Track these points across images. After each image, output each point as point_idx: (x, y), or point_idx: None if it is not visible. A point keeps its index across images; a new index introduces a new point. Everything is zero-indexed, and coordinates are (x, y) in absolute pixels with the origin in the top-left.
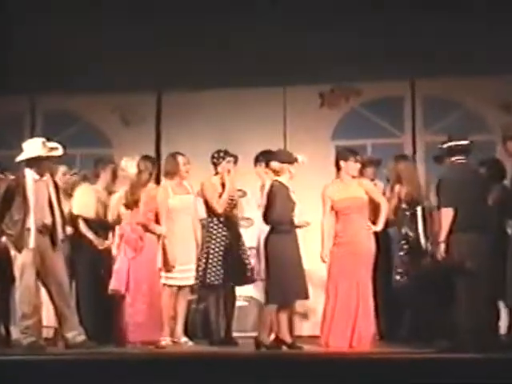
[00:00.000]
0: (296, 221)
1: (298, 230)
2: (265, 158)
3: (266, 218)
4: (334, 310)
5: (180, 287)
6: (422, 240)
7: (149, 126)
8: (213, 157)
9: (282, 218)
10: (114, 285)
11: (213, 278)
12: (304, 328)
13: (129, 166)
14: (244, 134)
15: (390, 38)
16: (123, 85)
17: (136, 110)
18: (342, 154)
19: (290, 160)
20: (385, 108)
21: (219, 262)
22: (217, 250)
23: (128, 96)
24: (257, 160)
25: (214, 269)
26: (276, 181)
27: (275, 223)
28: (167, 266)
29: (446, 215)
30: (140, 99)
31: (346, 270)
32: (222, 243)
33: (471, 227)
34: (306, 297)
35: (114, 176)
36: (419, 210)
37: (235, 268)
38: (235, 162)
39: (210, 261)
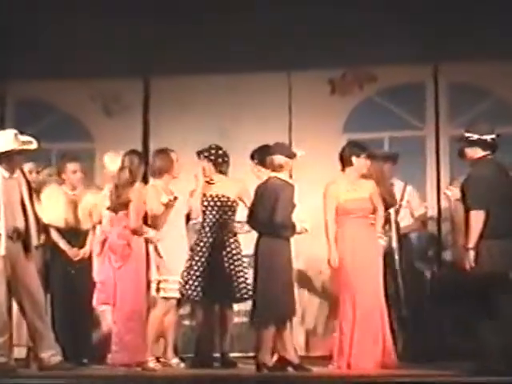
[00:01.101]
0: (298, 226)
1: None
2: (261, 153)
3: (259, 220)
4: (354, 325)
5: (170, 301)
6: (395, 245)
7: (135, 117)
8: (204, 152)
9: (285, 223)
10: (100, 298)
11: (194, 294)
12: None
13: (112, 162)
14: (243, 126)
15: (409, 16)
16: (105, 69)
17: (120, 97)
18: (355, 149)
19: (290, 154)
20: (404, 96)
21: (202, 275)
22: (200, 260)
23: (111, 81)
24: (252, 157)
25: (194, 282)
26: (275, 177)
27: (278, 228)
28: (162, 276)
29: (477, 218)
30: (125, 85)
31: (363, 279)
32: (206, 253)
33: (506, 233)
34: (294, 314)
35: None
36: (392, 213)
37: (224, 282)
38: (219, 159)
39: (192, 272)
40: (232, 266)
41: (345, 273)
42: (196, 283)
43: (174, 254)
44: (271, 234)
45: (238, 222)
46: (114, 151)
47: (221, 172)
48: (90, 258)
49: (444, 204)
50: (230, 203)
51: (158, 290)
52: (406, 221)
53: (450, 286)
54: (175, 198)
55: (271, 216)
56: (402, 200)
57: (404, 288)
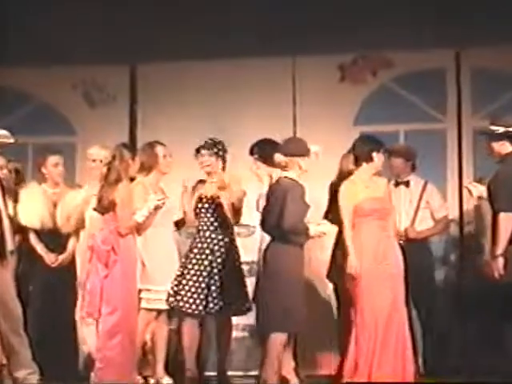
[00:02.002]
0: (312, 230)
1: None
2: (262, 148)
3: (269, 224)
4: (376, 337)
5: (159, 312)
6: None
7: (120, 107)
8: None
9: (296, 227)
10: (86, 309)
11: (187, 305)
12: None
13: (99, 156)
14: (242, 118)
15: None
16: (87, 54)
17: (104, 86)
18: (375, 144)
19: (299, 152)
20: (423, 84)
21: (195, 284)
22: (194, 267)
23: (94, 68)
24: (251, 152)
25: (187, 293)
26: (285, 177)
27: (288, 233)
28: (145, 285)
29: (506, 222)
30: (109, 72)
31: (384, 288)
32: (202, 260)
33: None
34: (302, 330)
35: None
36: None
37: (222, 292)
38: (219, 154)
39: (184, 282)
40: (231, 275)
41: (365, 281)
42: (189, 294)
43: (160, 260)
44: (280, 239)
45: (240, 224)
46: (101, 144)
47: (223, 169)
48: (73, 265)
49: (467, 204)
50: (214, 205)
51: (139, 300)
52: (424, 224)
53: (476, 295)
54: (163, 199)
55: (279, 220)
56: (420, 200)
57: (424, 298)
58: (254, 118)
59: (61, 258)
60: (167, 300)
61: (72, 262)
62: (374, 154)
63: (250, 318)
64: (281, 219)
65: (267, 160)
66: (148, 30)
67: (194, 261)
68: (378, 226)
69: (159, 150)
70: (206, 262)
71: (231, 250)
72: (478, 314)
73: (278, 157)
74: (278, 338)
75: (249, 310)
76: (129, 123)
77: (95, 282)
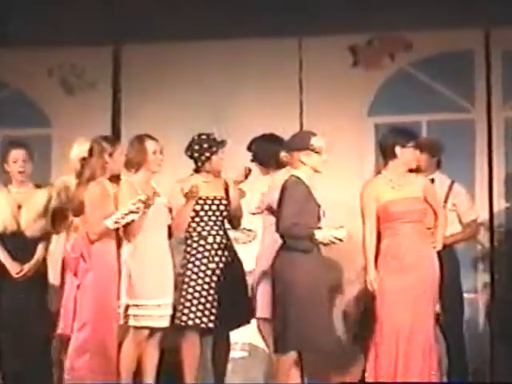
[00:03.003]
0: (323, 235)
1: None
2: (258, 148)
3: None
4: (398, 357)
5: (152, 330)
6: None
7: (102, 95)
8: (193, 145)
9: (292, 230)
10: (61, 325)
11: (185, 318)
12: None
13: (81, 151)
14: (242, 107)
15: None
16: (65, 35)
17: (83, 70)
18: (399, 137)
19: (297, 145)
20: (447, 69)
21: (193, 297)
22: (199, 278)
23: (71, 51)
24: (249, 149)
25: (186, 307)
26: (292, 176)
27: (285, 236)
28: (133, 300)
29: None
30: (89, 55)
31: (406, 305)
32: (206, 270)
33: None
34: (332, 349)
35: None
36: None
37: (225, 306)
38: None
39: (184, 293)
40: (237, 285)
41: (386, 294)
42: (198, 307)
43: (151, 271)
44: (285, 245)
45: (246, 229)
46: (85, 138)
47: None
48: (44, 276)
49: (498, 205)
50: (225, 206)
51: (126, 317)
52: (451, 228)
53: (509, 307)
54: (154, 194)
55: (277, 223)
56: (446, 202)
57: (451, 310)
58: (255, 108)
59: (27, 266)
60: (173, 316)
61: (43, 271)
62: (397, 149)
63: (249, 337)
64: (277, 222)
65: (265, 159)
66: (134, 7)
67: (195, 269)
68: (411, 230)
69: (149, 144)
70: (211, 272)
71: (236, 257)
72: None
73: (282, 153)
74: (289, 357)
75: (247, 322)
76: (111, 114)
77: (69, 293)
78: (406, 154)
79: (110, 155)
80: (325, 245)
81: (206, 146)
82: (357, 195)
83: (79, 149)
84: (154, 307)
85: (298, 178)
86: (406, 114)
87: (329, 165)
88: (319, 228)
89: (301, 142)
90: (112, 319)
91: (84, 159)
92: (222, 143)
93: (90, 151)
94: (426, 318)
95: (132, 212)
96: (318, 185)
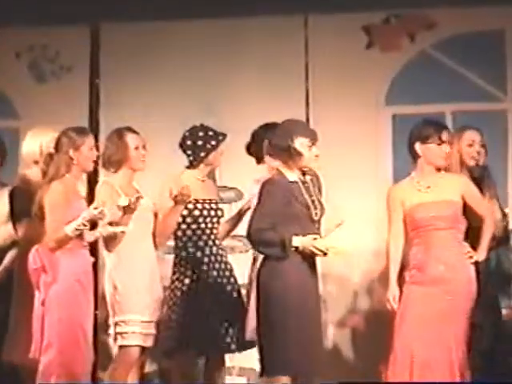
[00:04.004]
0: (298, 242)
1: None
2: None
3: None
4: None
5: (143, 350)
6: None
7: (78, 82)
8: (187, 138)
9: (260, 235)
10: (31, 351)
11: (169, 343)
12: None
13: (35, 144)
14: (239, 96)
15: None
16: (35, 13)
17: (57, 53)
18: (418, 131)
19: (282, 147)
20: (475, 52)
21: (179, 317)
22: (176, 296)
23: (43, 31)
24: (253, 140)
25: (169, 329)
26: (277, 171)
27: (251, 242)
28: (120, 316)
29: None
30: (63, 35)
31: (430, 326)
32: (184, 286)
33: None
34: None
35: None
36: None
37: (217, 326)
38: (218, 145)
39: (169, 312)
40: (234, 301)
41: (404, 314)
42: (171, 330)
43: (138, 283)
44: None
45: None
46: (43, 128)
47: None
48: (6, 290)
49: None
50: (222, 212)
51: (115, 337)
52: None
53: None
54: (137, 199)
55: (250, 224)
56: None
57: (485, 335)
58: (254, 96)
59: None
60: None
61: (6, 284)
62: (417, 146)
63: (247, 360)
64: (248, 225)
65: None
66: None
67: (190, 284)
68: (441, 238)
69: (130, 139)
70: (210, 287)
71: (231, 269)
72: None
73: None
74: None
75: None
76: (89, 103)
77: (37, 311)
78: (429, 151)
79: (76, 149)
80: (308, 255)
81: (203, 140)
82: (371, 197)
83: (34, 141)
84: (144, 324)
85: (281, 174)
86: (427, 103)
87: (339, 163)
88: (315, 233)
89: (280, 142)
90: (80, 339)
91: (50, 155)
92: (223, 137)
93: (56, 145)
94: (450, 342)
95: (95, 218)
96: (326, 186)
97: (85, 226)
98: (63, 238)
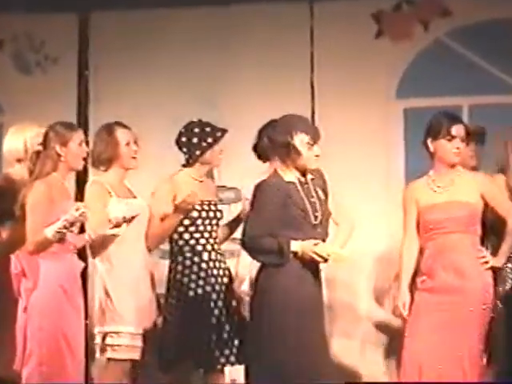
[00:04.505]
0: (297, 247)
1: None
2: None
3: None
4: None
5: (134, 364)
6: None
7: (66, 74)
8: (183, 134)
9: (257, 243)
10: (15, 362)
11: (166, 355)
12: None
13: (19, 140)
14: (239, 89)
15: None
16: None
17: (43, 43)
18: (429, 126)
19: (281, 143)
20: (493, 41)
21: (176, 329)
22: (172, 305)
23: (28, 19)
24: (259, 137)
25: (167, 341)
26: (275, 172)
27: (247, 251)
28: (111, 326)
29: None
30: (50, 24)
31: (441, 337)
32: (182, 295)
33: None
34: None
35: None
36: None
37: (209, 339)
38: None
39: (166, 323)
40: (235, 312)
41: (414, 323)
42: (169, 341)
43: (130, 291)
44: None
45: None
46: (27, 124)
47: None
48: None
49: None
50: (221, 214)
51: (103, 349)
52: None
53: None
54: (133, 218)
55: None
56: None
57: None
58: (256, 90)
59: None
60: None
61: None
62: (429, 142)
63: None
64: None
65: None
66: None
67: (183, 289)
68: (455, 242)
69: (120, 134)
70: (208, 295)
71: (231, 276)
72: None
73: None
74: None
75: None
76: (77, 97)
77: (19, 319)
78: (440, 147)
79: (64, 145)
80: (307, 261)
81: (198, 136)
82: (381, 199)
83: (17, 137)
84: (138, 336)
85: (278, 174)
86: (442, 95)
87: (346, 162)
88: (316, 238)
89: (279, 137)
90: (63, 350)
91: (38, 153)
92: (221, 133)
93: (44, 141)
94: (463, 356)
95: (76, 221)
96: (335, 183)
97: (66, 228)
98: (43, 241)
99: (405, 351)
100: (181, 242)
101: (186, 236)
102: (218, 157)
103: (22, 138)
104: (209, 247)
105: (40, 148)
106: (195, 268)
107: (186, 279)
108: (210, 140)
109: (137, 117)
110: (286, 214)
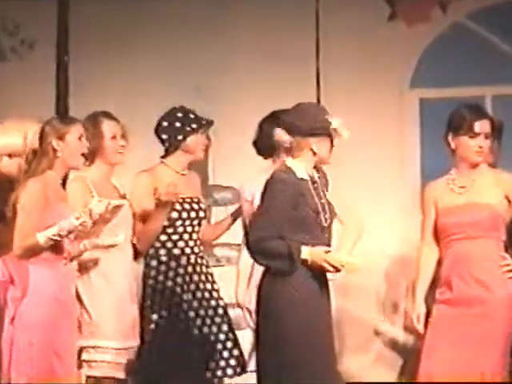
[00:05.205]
0: (307, 253)
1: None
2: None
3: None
4: None
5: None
6: None
7: (42, 60)
8: (164, 119)
9: (263, 245)
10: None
11: (153, 370)
12: None
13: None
14: (236, 77)
15: None
16: None
17: (17, 27)
18: (449, 120)
19: (321, 129)
20: None
21: (163, 342)
22: (182, 313)
23: (4, 2)
24: (260, 130)
25: (153, 356)
26: (283, 166)
27: (252, 253)
28: (89, 340)
29: None
30: (26, 5)
31: (462, 353)
32: (156, 305)
33: None
34: None
35: None
36: None
37: (200, 351)
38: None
39: (151, 337)
40: (224, 322)
41: (437, 344)
42: (156, 356)
43: (114, 302)
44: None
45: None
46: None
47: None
48: None
49: None
50: (204, 213)
51: (79, 365)
52: None
53: None
54: (117, 207)
55: (251, 230)
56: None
57: None
58: (254, 79)
59: None
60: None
61: None
62: (450, 138)
63: None
64: (247, 233)
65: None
66: None
67: (165, 302)
68: (476, 248)
69: (106, 126)
70: (188, 304)
71: (214, 281)
72: None
73: (279, 134)
74: None
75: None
76: (55, 85)
77: (6, 331)
78: (461, 144)
79: (60, 138)
80: (316, 269)
81: (181, 121)
82: (395, 199)
83: (16, 132)
84: (119, 352)
85: (289, 169)
86: (463, 85)
87: (355, 157)
88: (321, 244)
89: (316, 124)
90: (55, 369)
91: (34, 151)
92: (207, 123)
93: (40, 138)
94: (485, 373)
95: (74, 230)
96: (339, 186)
97: (61, 236)
98: (33, 246)
99: (422, 369)
100: (157, 244)
101: (163, 238)
102: (201, 148)
103: (23, 132)
104: (188, 250)
105: (32, 146)
106: (171, 273)
107: (160, 286)
108: (194, 125)
109: (121, 108)
110: (296, 215)
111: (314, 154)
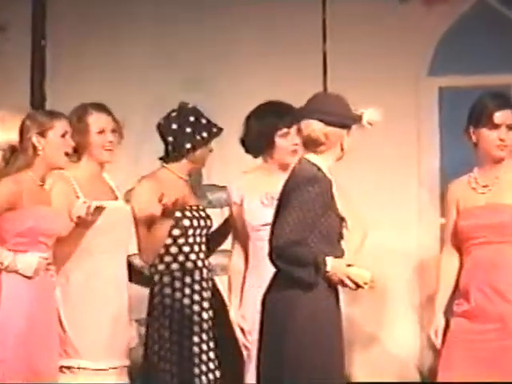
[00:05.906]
0: (332, 265)
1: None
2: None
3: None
4: None
5: None
6: None
7: (16, 44)
8: (173, 120)
9: (292, 251)
10: None
11: None
12: None
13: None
14: (235, 67)
15: None
16: None
17: None
18: (470, 111)
19: (342, 117)
20: None
21: (172, 366)
22: (164, 337)
23: None
24: (247, 125)
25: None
26: (304, 159)
27: (276, 260)
28: (66, 361)
29: None
30: None
31: (480, 372)
32: (174, 325)
33: None
34: None
35: None
36: None
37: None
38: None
39: (156, 359)
40: (229, 336)
41: (453, 360)
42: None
43: (96, 317)
44: (277, 277)
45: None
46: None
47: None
48: None
49: None
50: (209, 221)
51: None
52: None
53: None
54: (98, 209)
55: (270, 238)
56: None
57: None
58: (255, 66)
59: None
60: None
61: None
62: (472, 132)
63: None
64: (270, 237)
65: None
66: None
67: (186, 321)
68: (497, 254)
69: (93, 119)
70: (205, 324)
71: (223, 297)
72: None
73: (307, 125)
74: None
75: None
76: (30, 72)
77: None
78: (482, 138)
79: (42, 134)
80: (335, 283)
81: (192, 127)
82: (411, 198)
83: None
84: (100, 373)
85: (317, 167)
86: (487, 72)
87: (367, 153)
88: (339, 256)
89: (349, 115)
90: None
91: (13, 149)
92: (217, 130)
93: (21, 131)
94: None
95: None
96: (350, 185)
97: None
98: None
99: (439, 370)
100: (167, 259)
101: (174, 250)
102: (207, 157)
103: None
104: (200, 263)
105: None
106: (187, 291)
107: (177, 304)
108: (204, 134)
109: (106, 98)
110: (324, 222)
111: (342, 148)
